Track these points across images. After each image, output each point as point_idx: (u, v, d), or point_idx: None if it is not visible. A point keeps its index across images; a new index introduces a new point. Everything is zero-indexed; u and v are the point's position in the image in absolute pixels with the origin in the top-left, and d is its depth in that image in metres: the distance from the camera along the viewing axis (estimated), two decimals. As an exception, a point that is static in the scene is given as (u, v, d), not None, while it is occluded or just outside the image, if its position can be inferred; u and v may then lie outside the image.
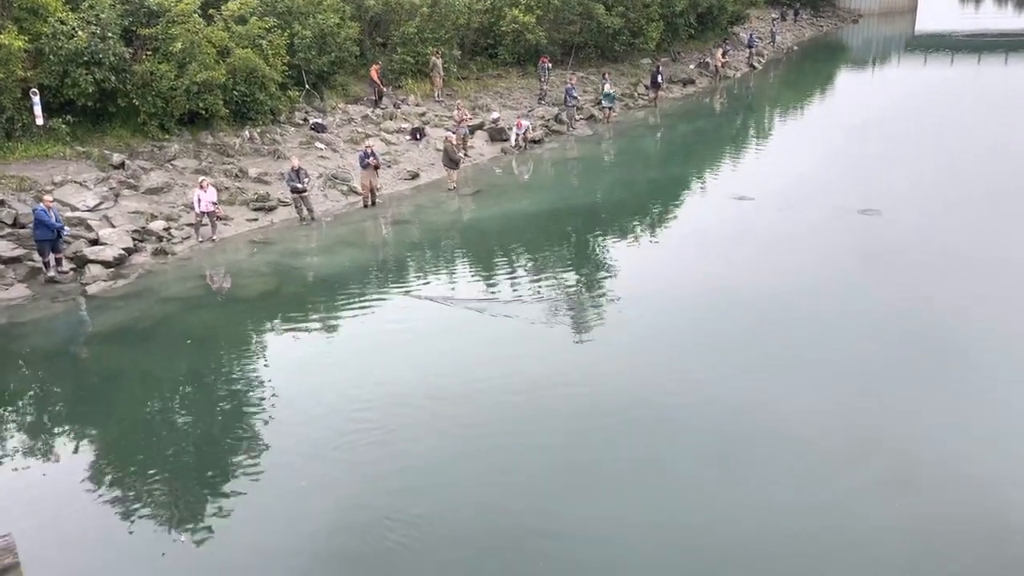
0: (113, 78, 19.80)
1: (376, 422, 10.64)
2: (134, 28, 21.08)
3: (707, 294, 14.64)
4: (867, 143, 26.94)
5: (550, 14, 33.25)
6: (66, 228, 16.10)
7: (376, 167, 20.87)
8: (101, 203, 18.03)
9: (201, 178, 18.49)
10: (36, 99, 19.07)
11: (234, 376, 12.49)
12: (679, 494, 9.20)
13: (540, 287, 15.22)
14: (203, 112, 21.46)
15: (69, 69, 19.26)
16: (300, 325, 14.23)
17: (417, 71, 29.34)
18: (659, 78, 34.68)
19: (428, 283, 15.73)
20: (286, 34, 24.13)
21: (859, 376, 11.60)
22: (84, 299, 15.29)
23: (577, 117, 30.12)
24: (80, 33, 19.34)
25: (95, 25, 19.80)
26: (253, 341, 13.86)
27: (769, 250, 16.86)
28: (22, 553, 7.07)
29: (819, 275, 15.48)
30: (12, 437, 10.77)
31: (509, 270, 16.37)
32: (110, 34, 19.83)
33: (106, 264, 16.31)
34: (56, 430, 11.04)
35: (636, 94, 35.16)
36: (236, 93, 22.13)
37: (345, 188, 21.72)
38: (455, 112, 26.05)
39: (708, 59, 41.71)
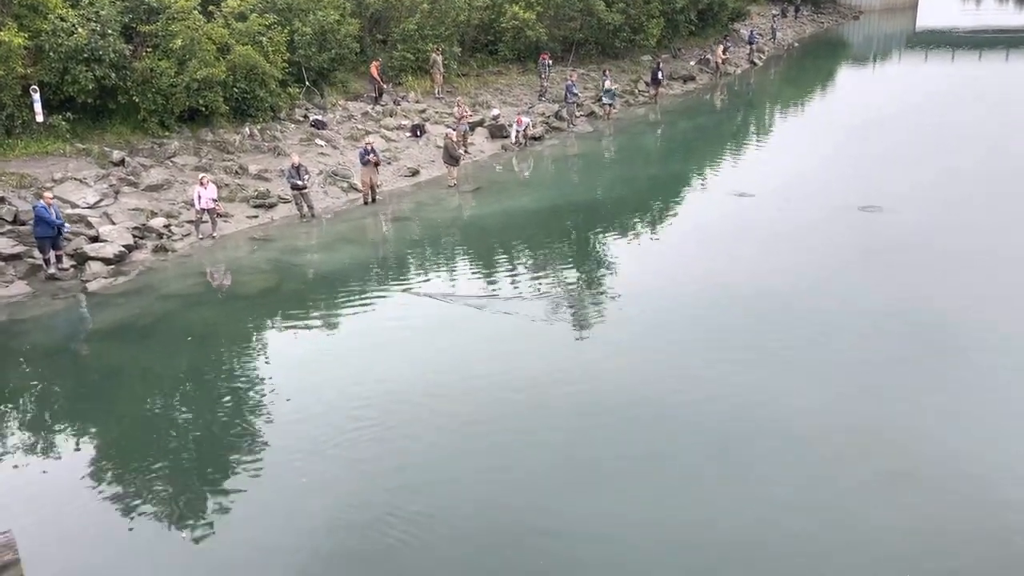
0: (113, 75, 19.80)
1: (376, 419, 10.65)
2: (134, 25, 21.07)
3: (707, 291, 14.64)
4: (868, 140, 26.93)
5: (550, 11, 33.23)
6: (66, 225, 16.09)
7: (376, 164, 20.85)
8: (101, 200, 18.04)
9: (201, 175, 18.49)
10: (36, 96, 19.06)
11: (234, 373, 12.50)
12: (679, 491, 9.20)
13: (540, 284, 15.22)
14: (203, 109, 21.46)
15: (69, 66, 19.25)
16: (300, 322, 14.24)
17: (417, 68, 29.31)
18: (660, 75, 34.64)
19: (428, 280, 15.73)
20: (286, 31, 24.11)
21: (859, 373, 11.60)
22: (84, 296, 15.30)
23: (577, 114, 30.09)
24: (80, 30, 19.33)
25: (95, 22, 19.79)
26: (253, 338, 13.86)
27: (769, 247, 16.86)
28: (22, 550, 7.08)
29: (819, 272, 15.48)
30: (13, 434, 10.78)
31: (509, 267, 16.37)
32: (110, 31, 19.83)
33: (106, 261, 16.32)
34: (56, 427, 11.04)
35: (637, 91, 35.12)
36: (236, 90, 22.12)
37: (345, 185, 21.71)
38: (455, 109, 26.03)
39: (709, 56, 41.65)
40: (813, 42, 57.16)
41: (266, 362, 12.69)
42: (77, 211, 17.38)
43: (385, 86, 27.68)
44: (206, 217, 18.08)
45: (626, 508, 8.90)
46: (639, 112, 32.94)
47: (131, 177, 19.16)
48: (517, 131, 26.61)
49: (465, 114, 25.83)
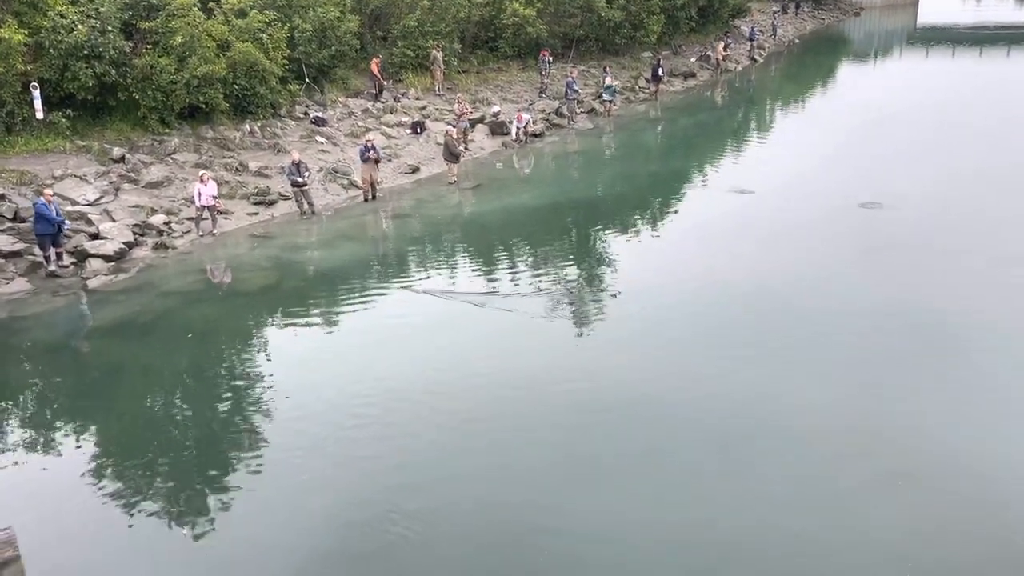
0: (113, 72, 19.78)
1: (376, 416, 10.66)
2: (134, 22, 21.04)
3: (707, 288, 14.64)
4: (868, 137, 26.90)
5: (551, 7, 33.19)
6: (66, 222, 16.09)
7: (376, 161, 20.84)
8: (101, 197, 18.04)
9: (201, 172, 18.48)
10: (36, 93, 19.05)
11: (234, 370, 12.51)
12: (679, 489, 9.20)
13: (540, 281, 15.22)
14: (203, 106, 21.44)
15: (69, 63, 19.23)
16: (300, 319, 14.25)
17: (417, 65, 29.28)
18: (660, 71, 34.58)
19: (428, 277, 15.73)
20: (286, 28, 24.09)
21: (859, 371, 11.59)
22: (85, 293, 15.31)
23: (578, 110, 30.06)
24: (80, 27, 19.31)
25: (95, 19, 19.78)
26: (253, 335, 13.87)
27: (769, 244, 16.85)
28: (23, 546, 7.10)
29: (819, 269, 15.47)
30: (13, 431, 10.80)
31: (509, 264, 16.37)
32: (110, 28, 19.81)
33: (107, 258, 16.33)
34: (57, 424, 11.06)
35: (637, 87, 35.08)
36: (236, 87, 22.10)
37: (346, 182, 21.70)
38: (456, 106, 26.00)
39: (709, 52, 41.58)
40: (814, 38, 57.09)
41: (266, 359, 12.70)
42: (77, 208, 17.38)
43: (385, 83, 27.66)
44: (206, 214, 18.07)
45: (626, 506, 8.90)
46: (639, 109, 32.91)
47: (131, 174, 19.16)
48: (517, 128, 26.60)
49: (465, 111, 25.80)
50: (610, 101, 31.06)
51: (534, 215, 19.85)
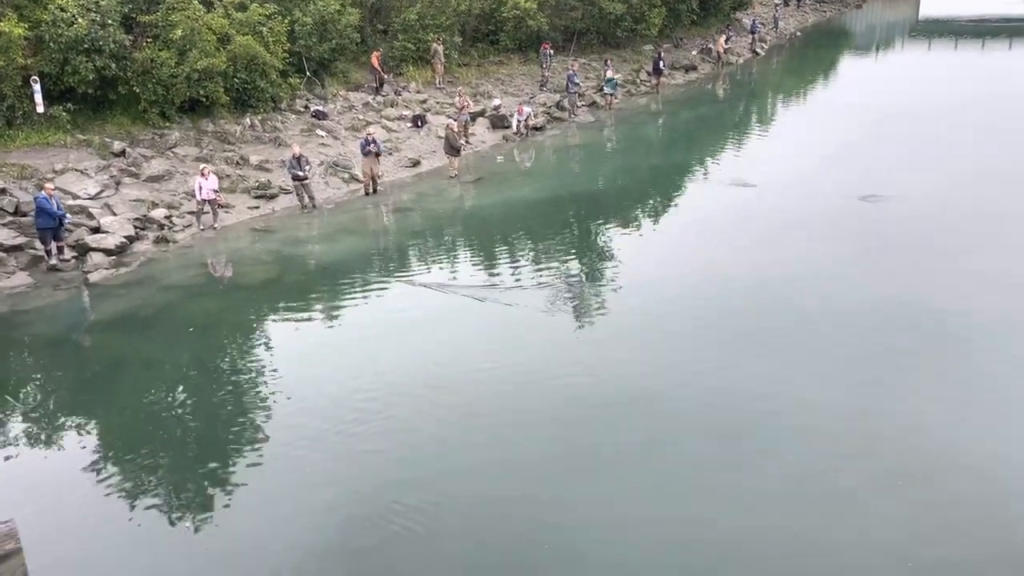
0: (113, 65, 19.76)
1: (377, 410, 10.66)
2: (134, 15, 21.02)
3: (708, 282, 14.62)
4: (870, 130, 26.82)
5: (552, 0, 33.09)
6: (68, 216, 16.10)
7: (377, 154, 20.82)
8: (102, 191, 18.03)
9: (202, 166, 18.48)
10: (36, 87, 19.04)
11: (235, 364, 12.52)
12: (680, 483, 9.19)
13: (541, 275, 15.21)
14: (204, 99, 21.42)
15: (69, 56, 19.22)
16: (301, 313, 14.25)
17: (418, 58, 29.24)
18: (661, 64, 34.54)
19: (429, 271, 15.73)
20: (286, 21, 24.04)
21: (861, 366, 11.55)
22: (86, 287, 15.32)
23: (579, 104, 30.03)
24: (80, 20, 19.28)
25: (95, 12, 19.75)
26: (254, 329, 13.88)
27: (771, 237, 16.82)
28: (24, 539, 7.10)
29: (821, 263, 15.44)
30: (14, 424, 10.82)
31: (510, 258, 16.36)
32: (110, 21, 19.79)
33: (108, 252, 16.34)
34: (58, 417, 11.08)
35: (638, 80, 35.03)
36: (237, 80, 22.08)
37: (346, 176, 21.70)
38: (456, 99, 25.98)
39: (711, 45, 41.50)
40: (815, 31, 56.94)
41: (267, 353, 12.70)
42: (78, 202, 17.38)
43: (386, 76, 27.61)
44: (207, 208, 18.08)
45: (627, 500, 8.90)
46: (641, 102, 32.86)
47: (132, 168, 19.16)
48: (518, 121, 26.57)
49: (466, 104, 25.79)
50: (611, 94, 31.02)
51: (535, 209, 19.84)
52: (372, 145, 20.42)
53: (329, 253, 17.16)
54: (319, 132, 23.39)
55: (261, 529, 8.67)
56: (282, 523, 8.72)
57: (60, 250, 16.00)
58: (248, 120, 22.58)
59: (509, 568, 8.11)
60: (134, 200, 18.15)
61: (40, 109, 19.19)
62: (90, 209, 17.30)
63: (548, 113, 29.10)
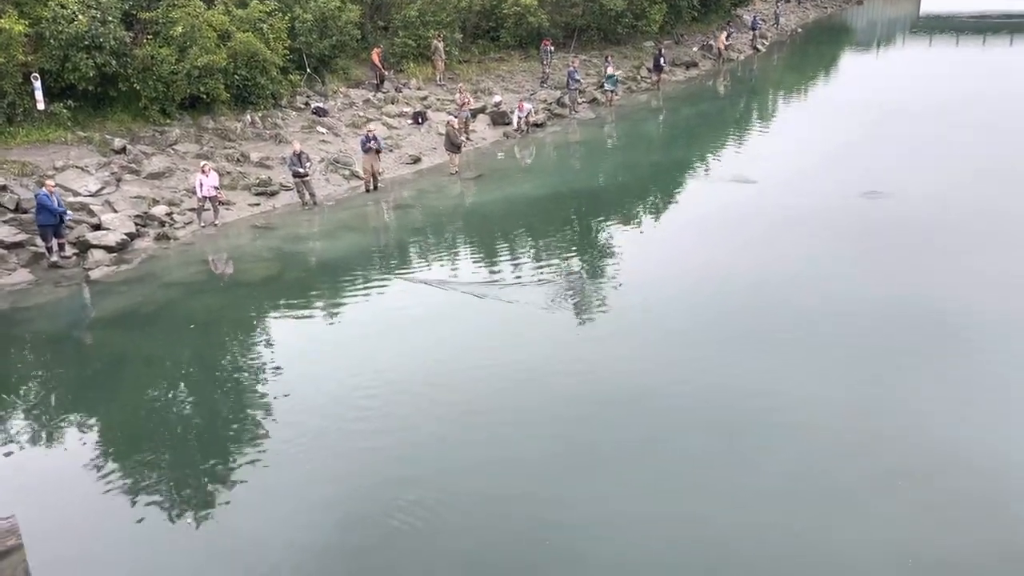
0: (114, 62, 19.76)
1: (376, 408, 10.68)
2: (134, 12, 21.01)
3: (709, 279, 14.62)
4: (871, 127, 26.79)
5: (552, -4, 33.10)
6: (68, 213, 16.11)
7: (378, 151, 20.82)
8: (103, 188, 18.04)
9: (203, 163, 18.48)
10: (37, 84, 19.04)
11: (236, 361, 12.54)
12: (679, 481, 9.20)
13: (542, 272, 15.22)
14: (204, 96, 21.42)
15: (70, 53, 19.22)
16: (302, 310, 14.27)
17: (419, 54, 29.23)
18: (662, 61, 34.50)
19: (430, 268, 15.74)
20: (287, 18, 24.04)
21: (861, 364, 11.54)
22: (87, 284, 15.33)
23: (579, 100, 30.01)
24: (80, 17, 19.27)
25: (95, 9, 19.73)
26: (255, 326, 13.90)
27: (772, 234, 16.81)
28: (25, 535, 7.12)
29: (822, 260, 15.43)
30: (16, 420, 10.84)
31: (511, 255, 16.36)
32: (110, 18, 19.78)
33: (108, 249, 16.35)
34: (59, 414, 11.10)
35: (639, 77, 35.00)
36: (237, 77, 22.07)
37: (347, 172, 21.70)
38: (457, 96, 25.97)
39: (711, 42, 41.46)
40: (816, 28, 56.87)
41: (268, 350, 12.72)
42: (79, 199, 17.40)
43: (386, 73, 27.61)
44: (208, 205, 18.08)
45: (626, 498, 8.91)
46: (641, 99, 32.83)
47: (133, 165, 19.16)
48: (519, 118, 26.55)
49: (467, 101, 25.78)
50: (612, 91, 30.99)
51: (535, 205, 19.84)
52: (373, 142, 20.42)
53: (330, 250, 17.17)
54: (320, 129, 23.39)
55: (261, 526, 8.69)
56: (282, 520, 8.74)
57: (61, 247, 16.01)
58: (249, 117, 22.58)
59: (509, 565, 8.12)
60: (135, 197, 18.15)
61: (41, 106, 19.19)
62: (91, 206, 17.31)
63: (549, 110, 29.09)
